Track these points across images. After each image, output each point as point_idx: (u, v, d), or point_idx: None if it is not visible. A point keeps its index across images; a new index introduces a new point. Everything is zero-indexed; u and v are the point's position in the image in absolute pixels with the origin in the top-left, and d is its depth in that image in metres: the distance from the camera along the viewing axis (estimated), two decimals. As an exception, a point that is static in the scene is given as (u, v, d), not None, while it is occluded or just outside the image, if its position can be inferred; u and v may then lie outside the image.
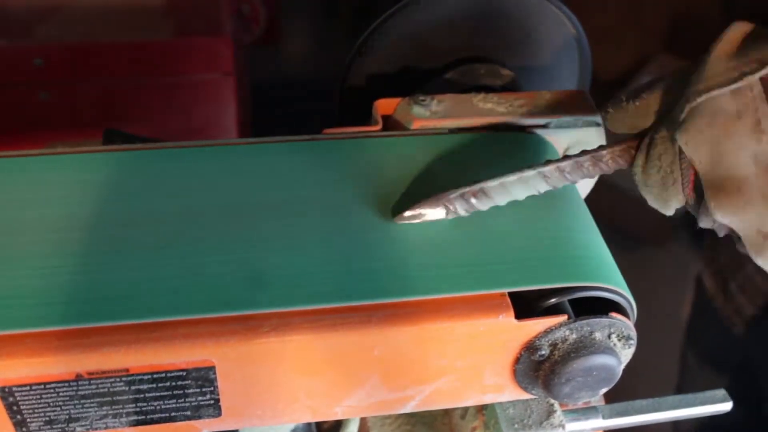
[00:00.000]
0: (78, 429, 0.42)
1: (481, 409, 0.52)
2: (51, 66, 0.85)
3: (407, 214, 0.45)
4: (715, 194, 0.41)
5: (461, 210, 0.45)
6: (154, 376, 0.40)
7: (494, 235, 0.45)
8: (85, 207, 0.45)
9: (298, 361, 0.41)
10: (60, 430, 0.42)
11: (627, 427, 0.52)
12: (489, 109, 0.53)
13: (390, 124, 0.54)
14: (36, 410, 0.40)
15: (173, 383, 0.41)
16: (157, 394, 0.41)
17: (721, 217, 0.41)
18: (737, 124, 0.40)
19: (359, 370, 0.42)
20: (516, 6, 0.64)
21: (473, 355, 0.43)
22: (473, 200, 0.45)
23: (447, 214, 0.45)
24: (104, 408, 0.41)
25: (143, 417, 0.42)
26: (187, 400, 0.42)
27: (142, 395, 0.41)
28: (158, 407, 0.42)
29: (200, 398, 0.42)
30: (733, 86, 0.39)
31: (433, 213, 0.45)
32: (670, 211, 0.45)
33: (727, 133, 0.40)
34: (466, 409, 0.54)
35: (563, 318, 0.42)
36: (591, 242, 0.46)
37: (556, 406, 0.50)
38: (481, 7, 0.64)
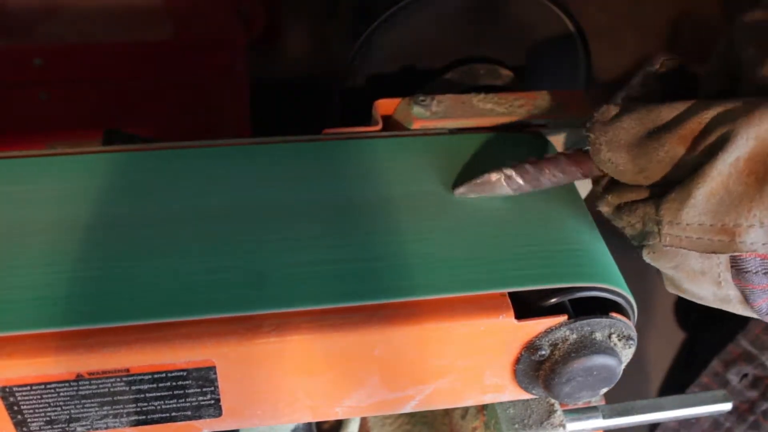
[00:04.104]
0: (78, 429, 0.42)
1: (482, 408, 0.52)
2: (51, 66, 0.85)
3: (474, 181, 0.46)
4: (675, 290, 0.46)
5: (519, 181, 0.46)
6: (155, 376, 0.40)
7: (494, 236, 0.45)
8: (85, 208, 0.45)
9: (298, 361, 0.41)
10: (60, 430, 0.42)
11: (627, 426, 0.52)
12: (489, 110, 0.53)
13: (390, 124, 0.54)
14: (37, 410, 0.40)
15: (174, 383, 0.41)
16: (158, 394, 0.41)
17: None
18: (700, 277, 0.43)
19: (359, 370, 0.43)
20: (515, 4, 0.64)
21: (473, 355, 0.43)
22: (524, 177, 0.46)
23: (508, 185, 0.46)
24: (105, 408, 0.41)
25: (144, 417, 0.42)
26: (187, 400, 0.42)
27: (142, 395, 0.41)
28: (159, 407, 0.42)
29: (201, 398, 0.42)
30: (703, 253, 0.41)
31: (496, 184, 0.46)
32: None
33: (690, 277, 0.43)
34: (466, 409, 0.54)
35: (563, 318, 0.42)
36: (591, 242, 0.46)
37: (557, 405, 0.50)
38: (480, 7, 0.64)
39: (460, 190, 0.47)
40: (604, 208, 0.45)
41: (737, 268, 0.42)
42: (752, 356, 0.94)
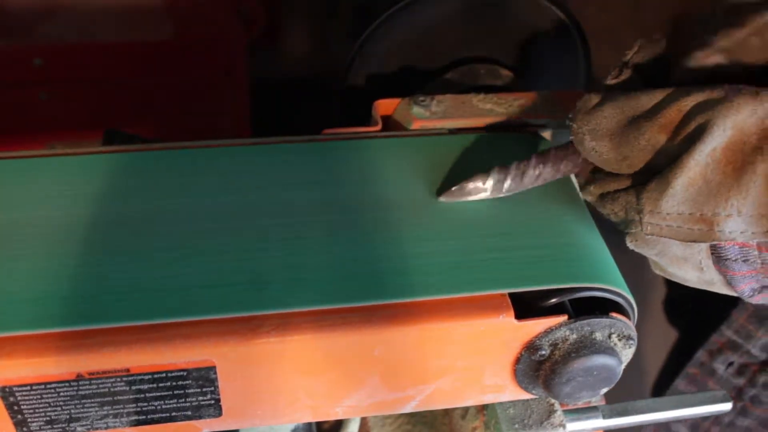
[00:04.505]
0: (78, 429, 0.42)
1: (482, 409, 0.52)
2: (51, 66, 0.85)
3: (453, 189, 0.46)
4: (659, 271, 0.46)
5: (504, 188, 0.47)
6: (155, 376, 0.40)
7: (494, 236, 0.45)
8: (85, 207, 0.45)
9: (298, 361, 0.41)
10: (60, 429, 0.42)
11: (627, 426, 0.52)
12: (488, 110, 0.53)
13: (390, 124, 0.54)
14: (37, 410, 0.40)
15: (174, 383, 0.41)
16: (158, 394, 0.41)
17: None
18: (683, 263, 0.43)
19: (359, 370, 0.43)
20: (514, 4, 0.64)
21: (473, 355, 0.43)
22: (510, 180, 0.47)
23: (491, 191, 0.47)
24: (105, 408, 0.41)
25: (144, 417, 0.42)
26: (187, 400, 0.42)
27: (142, 395, 0.41)
28: (159, 407, 0.42)
29: (201, 398, 0.42)
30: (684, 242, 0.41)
31: (477, 189, 0.46)
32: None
33: (673, 262, 0.44)
34: (466, 409, 0.54)
35: (563, 318, 0.42)
36: (591, 242, 0.46)
37: (557, 405, 0.50)
38: (479, 7, 0.64)
39: (443, 198, 0.47)
40: (588, 197, 0.45)
41: (717, 255, 0.42)
42: (737, 345, 0.95)
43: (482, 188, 0.46)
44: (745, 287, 0.42)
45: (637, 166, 0.41)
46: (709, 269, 0.43)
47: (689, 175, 0.39)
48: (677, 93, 0.40)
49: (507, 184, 0.46)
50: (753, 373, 0.95)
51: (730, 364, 0.96)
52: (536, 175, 0.46)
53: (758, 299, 0.43)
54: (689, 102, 0.39)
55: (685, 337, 1.10)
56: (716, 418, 0.98)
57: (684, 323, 1.10)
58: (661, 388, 1.12)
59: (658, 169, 0.40)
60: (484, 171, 0.46)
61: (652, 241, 0.42)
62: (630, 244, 0.43)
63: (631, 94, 0.42)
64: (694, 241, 0.40)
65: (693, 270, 0.44)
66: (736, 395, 0.96)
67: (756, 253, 0.41)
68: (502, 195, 0.47)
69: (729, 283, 0.43)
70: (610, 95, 0.43)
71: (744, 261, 0.41)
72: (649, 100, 0.41)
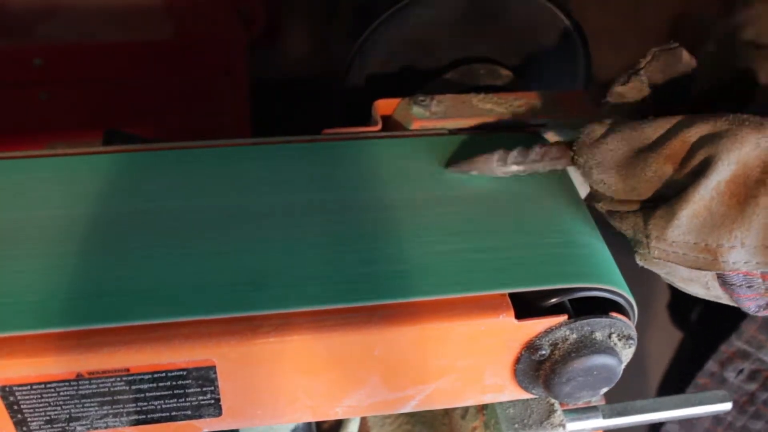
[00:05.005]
0: (78, 428, 0.42)
1: (482, 408, 0.52)
2: (51, 66, 0.85)
3: (463, 163, 0.48)
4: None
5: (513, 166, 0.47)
6: (155, 375, 0.40)
7: (494, 237, 0.45)
8: (85, 207, 0.45)
9: (298, 361, 0.41)
10: (60, 429, 0.42)
11: (627, 426, 0.52)
12: (488, 110, 0.53)
13: (390, 124, 0.54)
14: (36, 410, 0.40)
15: (174, 383, 0.41)
16: (158, 393, 0.41)
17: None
18: (690, 282, 0.45)
19: (359, 370, 0.43)
20: (514, 4, 0.65)
21: (473, 355, 0.43)
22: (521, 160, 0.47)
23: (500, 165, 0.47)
24: (105, 407, 0.41)
25: (144, 416, 0.42)
26: (187, 399, 0.42)
27: (142, 395, 0.41)
28: (159, 407, 0.42)
29: (201, 398, 0.42)
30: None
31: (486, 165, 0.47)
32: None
33: (681, 282, 0.45)
34: (466, 409, 0.54)
35: (563, 318, 0.42)
36: (591, 242, 0.46)
37: (557, 405, 0.50)
38: (479, 7, 0.64)
39: (451, 169, 0.48)
40: (597, 207, 0.46)
41: (723, 279, 0.43)
42: (748, 353, 0.95)
43: (493, 163, 0.47)
44: (751, 305, 0.43)
45: (645, 195, 0.42)
46: (715, 288, 0.44)
47: (694, 207, 0.40)
48: (681, 124, 0.41)
49: (524, 165, 0.47)
50: (765, 378, 0.95)
51: (741, 371, 0.96)
52: (543, 160, 0.47)
53: (765, 313, 0.44)
54: (693, 133, 0.40)
55: (689, 339, 1.10)
56: (729, 423, 0.98)
57: (688, 325, 1.10)
58: (665, 390, 1.11)
59: (666, 197, 0.41)
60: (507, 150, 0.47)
61: (660, 263, 0.43)
62: (639, 262, 0.44)
63: (634, 125, 0.43)
64: (700, 269, 0.41)
65: (700, 288, 0.45)
66: (749, 400, 0.96)
67: (760, 281, 0.42)
68: (512, 172, 0.47)
69: (735, 302, 0.43)
70: (614, 126, 0.43)
71: (748, 287, 0.42)
72: (653, 131, 0.42)
